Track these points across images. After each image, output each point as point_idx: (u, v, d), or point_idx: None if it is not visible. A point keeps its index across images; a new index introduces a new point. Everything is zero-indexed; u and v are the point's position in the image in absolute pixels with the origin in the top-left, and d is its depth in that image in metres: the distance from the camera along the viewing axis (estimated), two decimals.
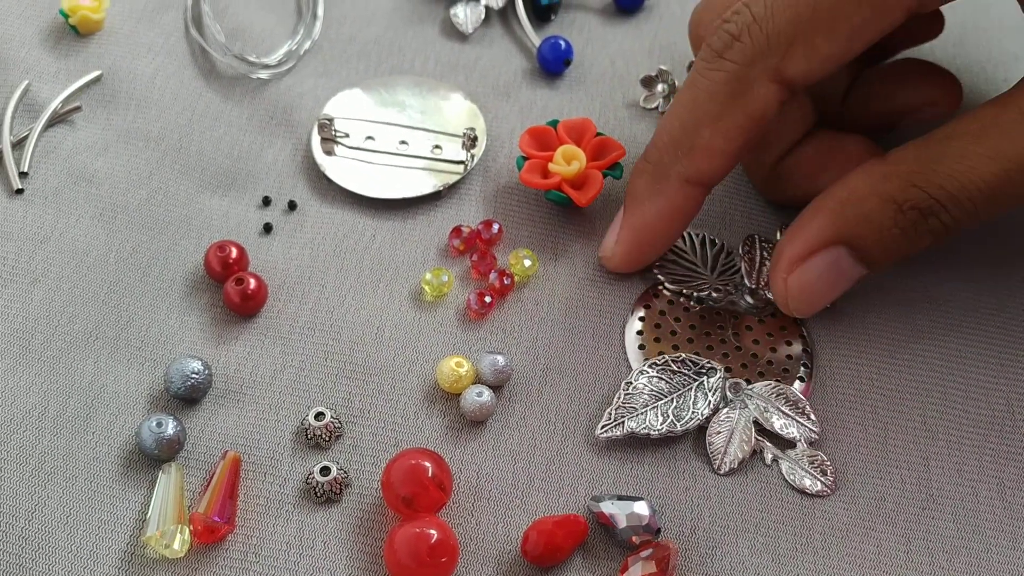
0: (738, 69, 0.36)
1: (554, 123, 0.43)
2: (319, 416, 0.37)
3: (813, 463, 0.37)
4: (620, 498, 0.35)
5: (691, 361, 0.38)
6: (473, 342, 0.40)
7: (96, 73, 0.45)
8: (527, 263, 0.41)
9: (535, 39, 0.48)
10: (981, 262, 0.42)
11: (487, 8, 0.49)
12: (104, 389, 0.38)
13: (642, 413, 0.37)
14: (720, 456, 0.37)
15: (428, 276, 0.40)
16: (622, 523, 0.35)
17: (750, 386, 0.38)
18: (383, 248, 0.42)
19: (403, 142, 0.44)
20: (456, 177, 0.43)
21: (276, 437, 0.37)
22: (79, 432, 0.37)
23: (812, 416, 0.37)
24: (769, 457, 0.37)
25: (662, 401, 0.37)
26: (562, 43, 0.47)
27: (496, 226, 0.42)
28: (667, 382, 0.38)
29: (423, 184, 0.43)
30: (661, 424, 0.37)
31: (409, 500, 0.35)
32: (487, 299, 0.40)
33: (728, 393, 0.38)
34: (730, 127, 0.36)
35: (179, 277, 0.41)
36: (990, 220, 0.35)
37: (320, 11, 0.49)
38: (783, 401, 0.37)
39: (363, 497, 0.36)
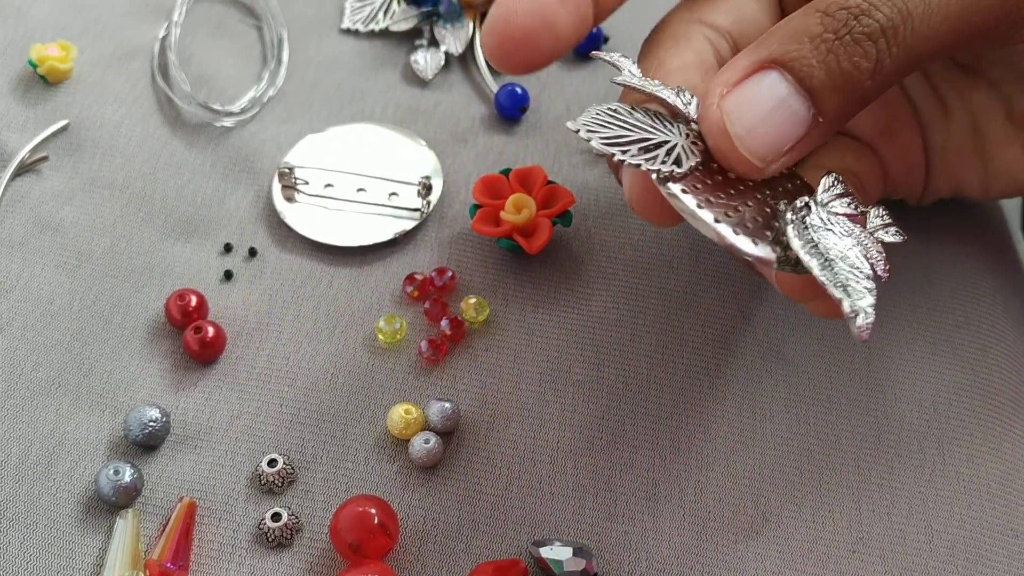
0: None
1: (507, 171, 0.45)
2: (272, 463, 0.38)
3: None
4: (560, 543, 0.37)
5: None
6: (425, 388, 0.41)
7: (63, 122, 0.46)
8: (478, 310, 0.42)
9: (493, 85, 0.49)
10: (915, 308, 0.43)
11: (447, 54, 0.50)
12: (65, 436, 0.39)
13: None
14: None
15: (381, 323, 0.42)
16: (561, 568, 0.36)
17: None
18: (339, 295, 0.43)
19: (361, 189, 0.46)
20: (412, 224, 0.45)
21: (231, 482, 0.39)
22: (40, 479, 0.38)
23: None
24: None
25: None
26: (519, 90, 0.48)
27: (449, 273, 0.43)
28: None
29: (380, 231, 0.45)
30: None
31: (356, 546, 0.36)
32: (439, 346, 0.41)
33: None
34: None
35: (141, 324, 0.42)
36: (937, 38, 0.32)
37: (285, 56, 0.50)
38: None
39: (314, 542, 0.38)
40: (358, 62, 0.50)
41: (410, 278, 0.43)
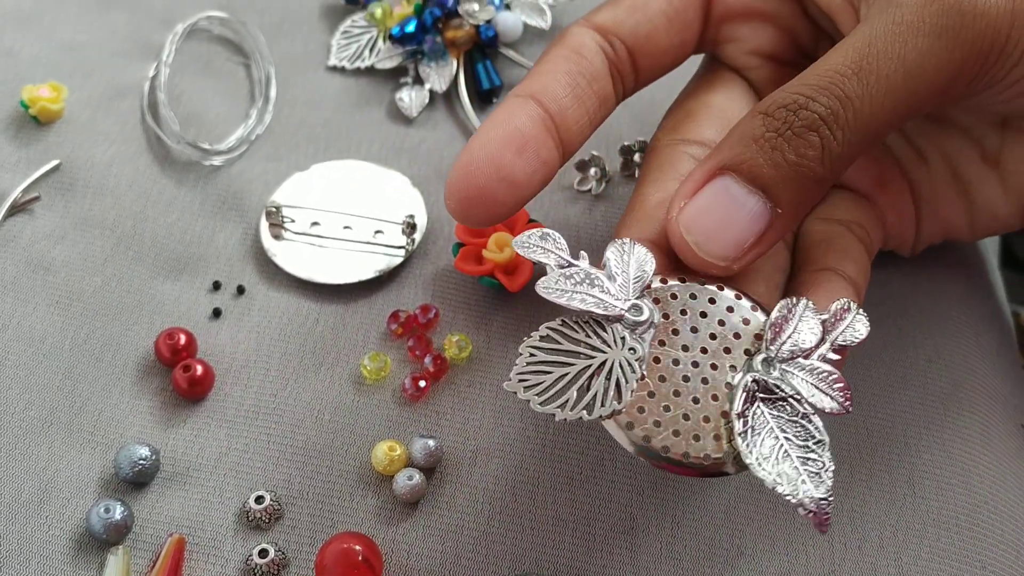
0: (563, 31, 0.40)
1: None
2: (259, 499, 0.39)
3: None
4: None
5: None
6: (409, 424, 0.42)
7: (55, 162, 0.47)
8: (461, 347, 0.43)
9: (477, 123, 0.50)
10: (886, 342, 0.44)
11: (431, 92, 0.52)
12: (58, 474, 0.40)
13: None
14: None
15: (366, 361, 0.43)
16: None
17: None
18: (325, 332, 0.44)
19: (347, 227, 0.47)
20: (397, 261, 0.46)
21: (219, 518, 0.40)
22: (33, 516, 0.39)
23: None
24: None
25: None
26: None
27: (433, 311, 0.44)
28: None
29: (365, 269, 0.46)
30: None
31: None
32: (421, 383, 0.42)
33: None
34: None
35: (131, 362, 0.43)
36: (884, 113, 0.34)
37: (272, 94, 0.51)
38: None
39: None
40: (344, 100, 0.51)
41: (394, 315, 0.44)
